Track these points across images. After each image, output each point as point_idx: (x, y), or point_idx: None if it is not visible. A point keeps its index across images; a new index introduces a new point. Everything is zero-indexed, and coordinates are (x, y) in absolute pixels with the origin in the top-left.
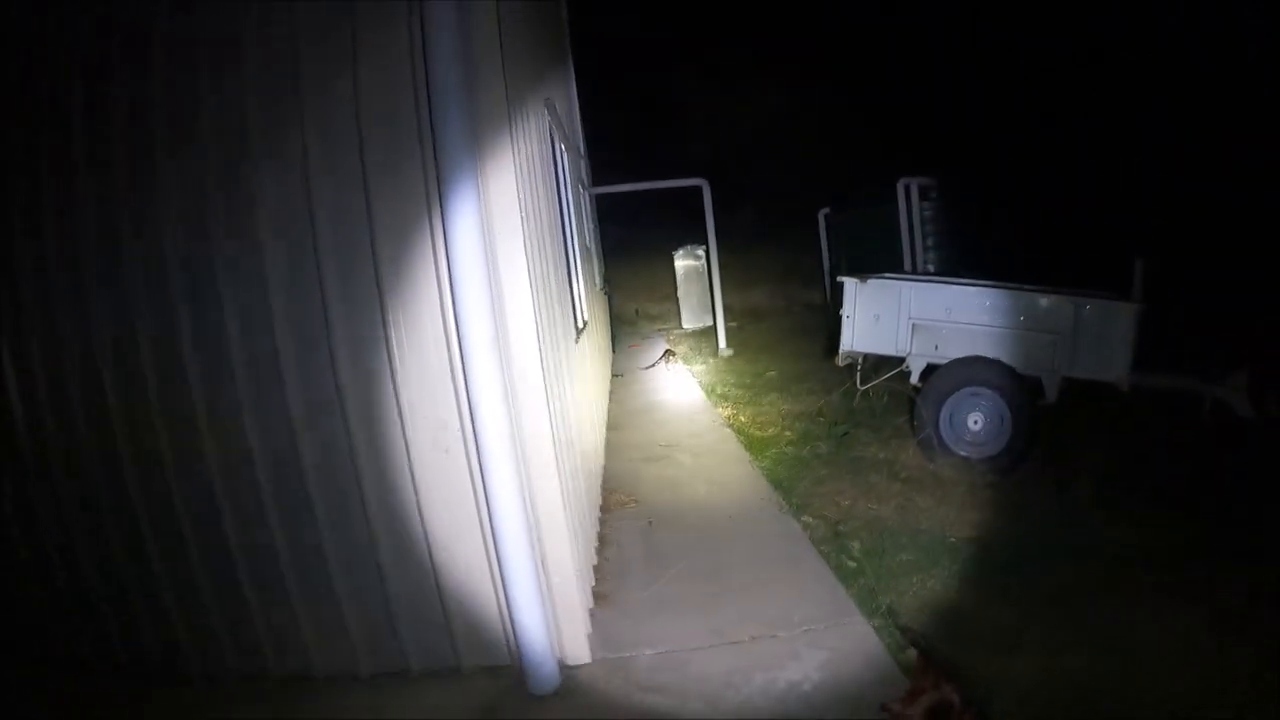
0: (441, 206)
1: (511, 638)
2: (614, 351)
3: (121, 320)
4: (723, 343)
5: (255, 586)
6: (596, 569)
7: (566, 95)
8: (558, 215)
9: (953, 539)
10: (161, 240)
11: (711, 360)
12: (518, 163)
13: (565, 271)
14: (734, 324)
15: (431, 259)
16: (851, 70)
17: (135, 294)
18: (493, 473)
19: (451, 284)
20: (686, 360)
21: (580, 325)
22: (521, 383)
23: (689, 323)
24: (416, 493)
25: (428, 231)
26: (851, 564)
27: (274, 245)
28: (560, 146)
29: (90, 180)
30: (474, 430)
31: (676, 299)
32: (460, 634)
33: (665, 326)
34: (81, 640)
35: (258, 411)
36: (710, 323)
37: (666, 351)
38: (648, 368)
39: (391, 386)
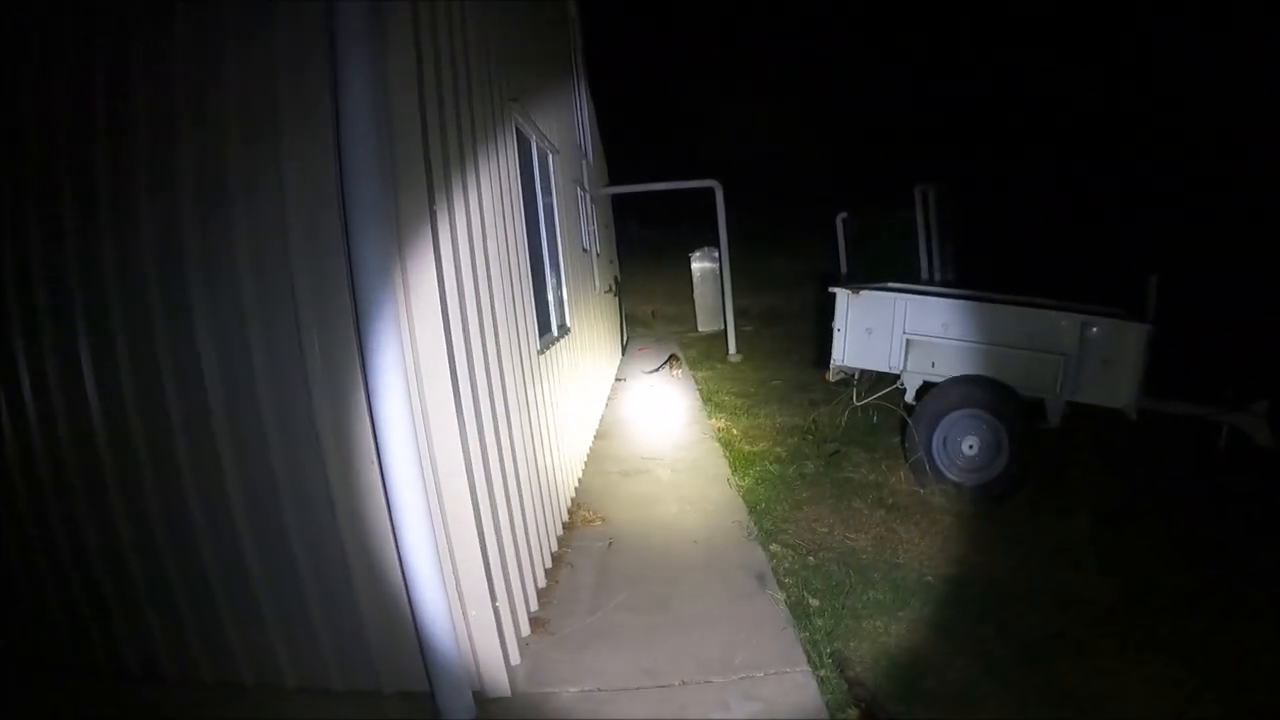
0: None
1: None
2: (622, 354)
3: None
4: (732, 348)
5: (188, 598)
6: (543, 592)
7: (568, 96)
8: (523, 224)
9: (929, 577)
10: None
11: (719, 365)
12: (446, 187)
13: (535, 281)
14: (749, 328)
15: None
16: (877, 73)
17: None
18: (400, 504)
19: (356, 299)
20: (694, 365)
21: (556, 334)
22: (433, 413)
23: (704, 326)
24: (335, 516)
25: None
26: (813, 601)
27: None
28: (542, 150)
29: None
30: (379, 457)
31: (693, 301)
32: (380, 657)
33: (681, 329)
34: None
35: (190, 445)
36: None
37: (671, 357)
38: (651, 372)
39: (310, 409)
